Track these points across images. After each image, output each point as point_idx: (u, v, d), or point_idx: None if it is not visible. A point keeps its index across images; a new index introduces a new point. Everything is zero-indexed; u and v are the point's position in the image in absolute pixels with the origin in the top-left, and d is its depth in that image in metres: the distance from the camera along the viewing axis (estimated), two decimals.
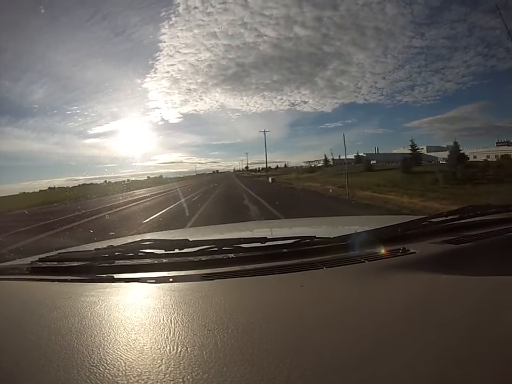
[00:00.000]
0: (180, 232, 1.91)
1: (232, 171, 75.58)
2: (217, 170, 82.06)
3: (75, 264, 0.87)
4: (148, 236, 1.41)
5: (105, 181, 47.18)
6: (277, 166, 60.58)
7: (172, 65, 55.11)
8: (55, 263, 0.92)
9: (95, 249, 0.95)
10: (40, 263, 0.92)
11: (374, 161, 58.13)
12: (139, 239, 0.95)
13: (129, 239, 1.18)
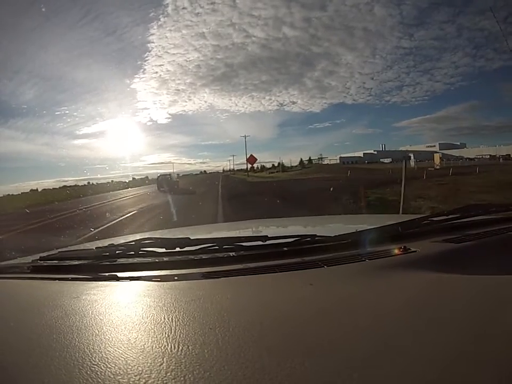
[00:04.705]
0: (181, 230, 1.91)
1: (221, 171, 72.98)
2: (204, 171, 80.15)
3: (76, 262, 0.87)
4: (149, 235, 1.41)
5: (89, 182, 46.46)
6: (273, 165, 57.76)
7: (161, 65, 54.84)
8: (56, 261, 0.92)
9: (96, 247, 0.95)
10: (41, 261, 0.93)
11: (389, 160, 56.51)
12: (140, 238, 0.95)
13: (130, 238, 1.18)
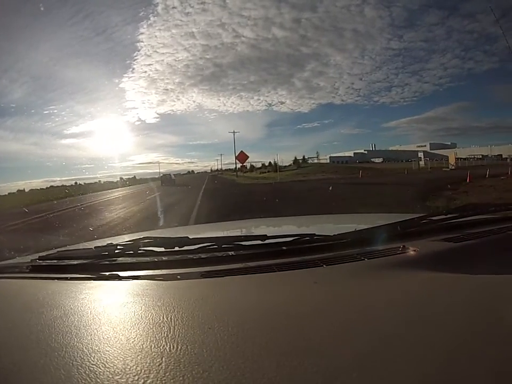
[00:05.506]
0: (180, 229, 1.91)
1: (209, 171, 70.81)
2: (192, 171, 79.83)
3: (75, 262, 0.87)
4: (148, 234, 1.41)
5: (76, 183, 46.24)
6: (263, 164, 54.07)
7: (150, 65, 54.80)
8: (55, 261, 0.92)
9: (95, 247, 0.95)
10: (40, 261, 0.92)
11: (380, 159, 55.99)
12: (139, 237, 0.95)
13: (129, 237, 1.18)
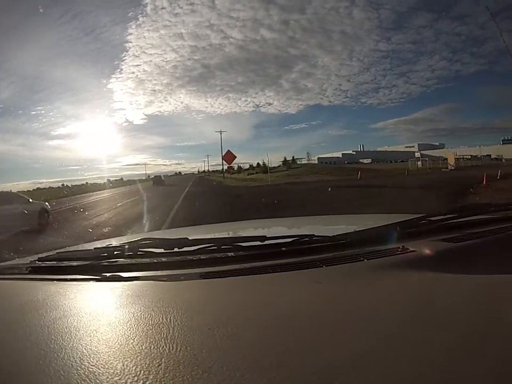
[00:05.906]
0: (179, 231, 1.91)
1: (197, 172, 71.01)
2: (179, 172, 79.47)
3: (75, 263, 0.86)
4: (147, 235, 1.41)
5: (63, 184, 45.97)
6: (251, 165, 53.40)
7: (138, 65, 54.73)
8: (55, 262, 0.92)
9: (94, 248, 0.95)
10: (40, 262, 0.92)
11: (368, 160, 56.01)
12: (138, 238, 0.95)
13: (129, 238, 1.18)
